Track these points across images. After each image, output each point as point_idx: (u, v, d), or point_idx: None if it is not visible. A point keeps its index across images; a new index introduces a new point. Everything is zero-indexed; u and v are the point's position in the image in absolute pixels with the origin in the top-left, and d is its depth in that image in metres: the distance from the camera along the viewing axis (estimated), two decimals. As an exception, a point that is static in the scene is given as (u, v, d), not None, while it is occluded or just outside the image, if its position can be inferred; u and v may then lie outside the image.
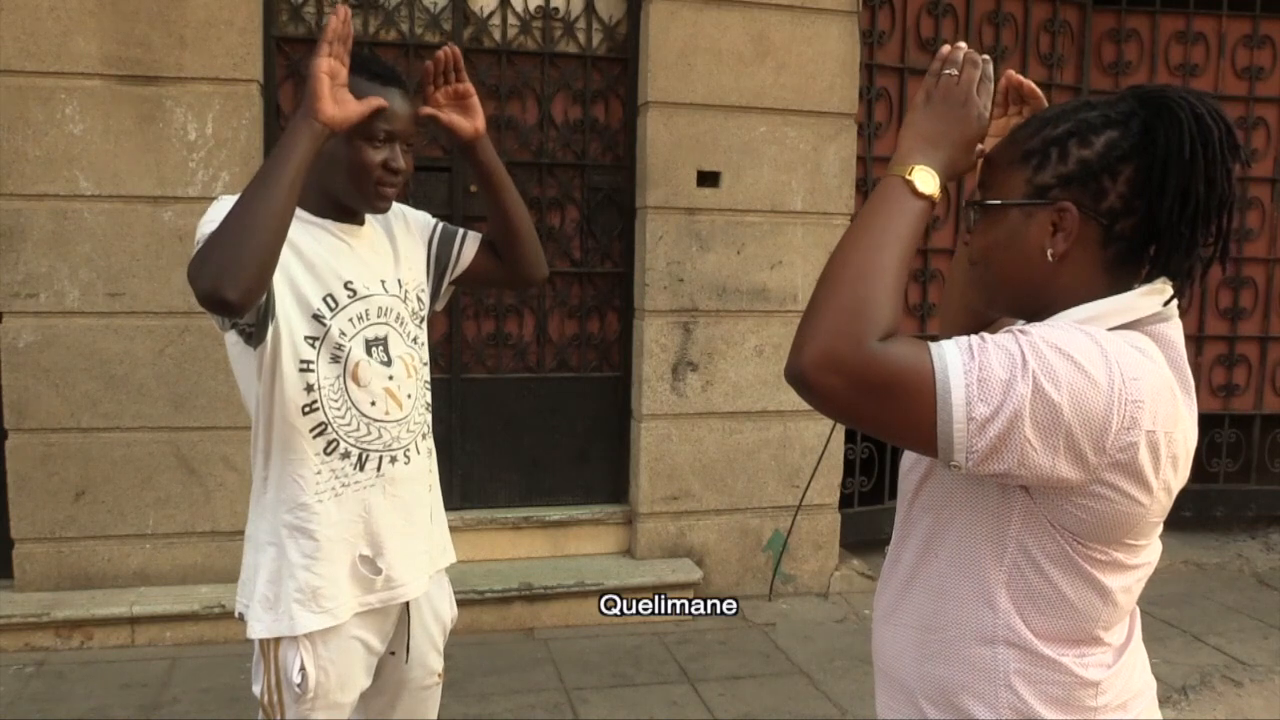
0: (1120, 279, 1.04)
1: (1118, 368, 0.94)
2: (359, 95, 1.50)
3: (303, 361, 1.54)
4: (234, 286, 1.32)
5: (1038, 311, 1.07)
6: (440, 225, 1.84)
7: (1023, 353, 0.92)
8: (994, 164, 1.09)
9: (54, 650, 3.35)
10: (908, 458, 1.17)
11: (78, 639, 3.38)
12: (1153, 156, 0.99)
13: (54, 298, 3.38)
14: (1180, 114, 0.98)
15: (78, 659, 3.30)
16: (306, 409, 1.55)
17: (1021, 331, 0.95)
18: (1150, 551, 1.06)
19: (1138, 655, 1.12)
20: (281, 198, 1.37)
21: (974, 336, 0.95)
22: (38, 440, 3.43)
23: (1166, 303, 1.04)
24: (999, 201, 1.07)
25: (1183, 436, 1.00)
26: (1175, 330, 1.05)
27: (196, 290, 1.34)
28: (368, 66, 1.57)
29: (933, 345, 0.95)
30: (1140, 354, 0.98)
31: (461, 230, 1.87)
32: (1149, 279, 1.05)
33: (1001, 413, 0.91)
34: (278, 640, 1.58)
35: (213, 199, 3.62)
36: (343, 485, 1.59)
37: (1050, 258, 1.03)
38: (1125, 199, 1.01)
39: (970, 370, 0.92)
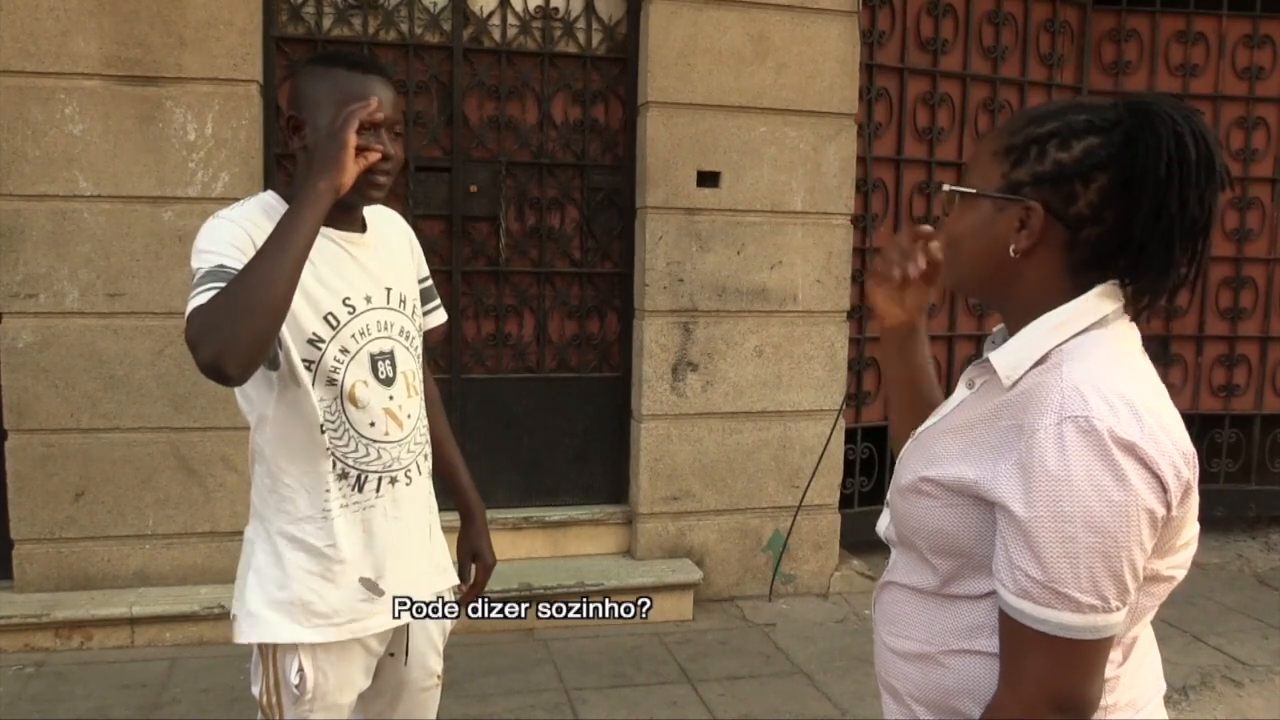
0: (1083, 284, 1.04)
1: (1156, 446, 0.94)
2: (340, 87, 1.49)
3: (301, 385, 1.52)
4: (236, 364, 1.31)
5: (1000, 303, 1.10)
6: (428, 282, 1.83)
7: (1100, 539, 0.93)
8: (979, 153, 1.10)
9: (54, 651, 3.35)
10: (902, 467, 1.15)
11: (77, 639, 3.38)
12: (1129, 169, 0.99)
13: (54, 298, 3.38)
14: (1161, 130, 0.98)
15: (77, 659, 3.30)
16: (318, 429, 1.54)
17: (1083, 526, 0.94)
18: (1183, 559, 1.05)
19: (1148, 654, 1.12)
20: (293, 269, 1.35)
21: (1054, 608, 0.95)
22: (37, 440, 3.42)
23: (1135, 314, 1.06)
24: (973, 190, 1.08)
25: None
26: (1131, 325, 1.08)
27: (196, 358, 1.31)
28: (346, 58, 1.54)
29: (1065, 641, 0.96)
30: (1144, 383, 0.99)
31: (436, 301, 1.85)
32: None
33: (1120, 594, 0.95)
34: (275, 643, 1.57)
35: (211, 199, 3.59)
36: (342, 506, 1.57)
37: (1013, 253, 1.04)
38: (1095, 207, 1.01)
39: (1085, 618, 0.95)
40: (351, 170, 1.41)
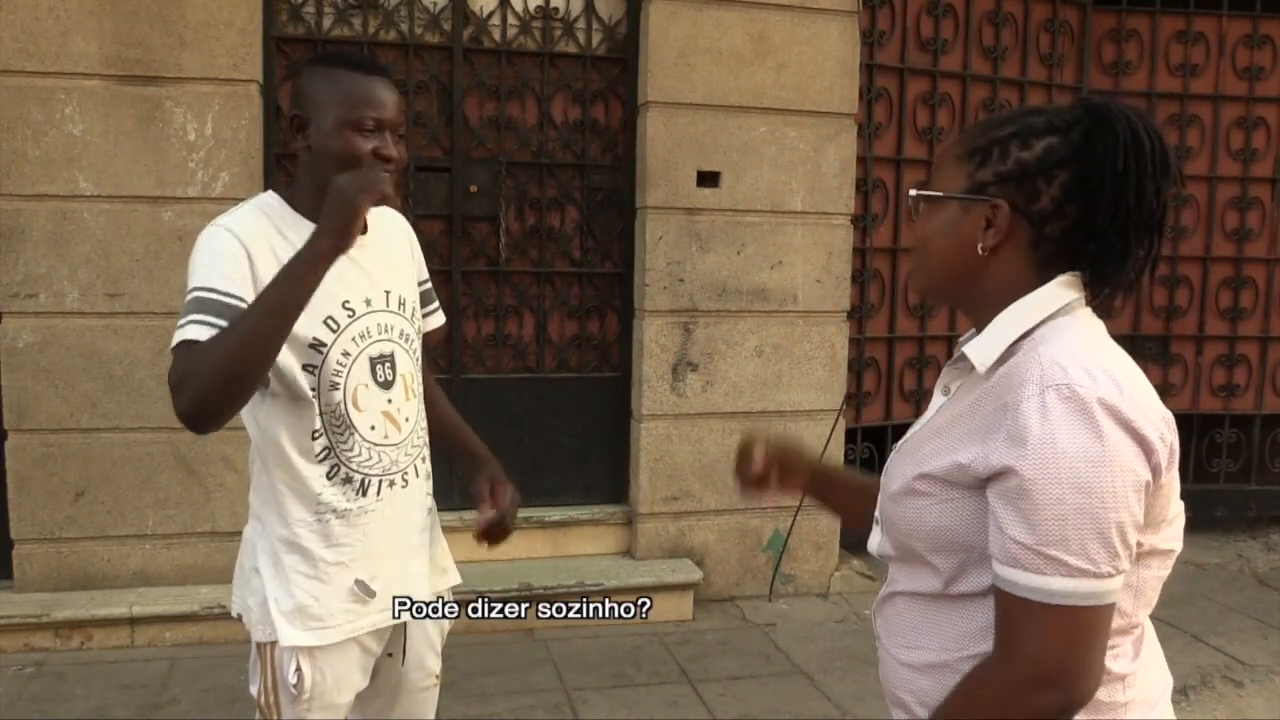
0: (1048, 280, 1.07)
1: (1137, 409, 0.96)
2: (341, 86, 1.50)
3: (301, 391, 1.52)
4: (209, 420, 1.35)
5: (970, 305, 1.12)
6: (428, 284, 1.83)
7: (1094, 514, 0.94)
8: (942, 158, 1.13)
9: (53, 651, 3.35)
10: (890, 477, 1.15)
11: (77, 640, 3.38)
12: (1089, 165, 1.02)
13: (54, 298, 3.38)
14: (1118, 127, 1.01)
15: (77, 660, 3.30)
16: (311, 434, 1.55)
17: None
18: (1176, 530, 1.06)
19: (1155, 651, 1.13)
20: (279, 333, 1.37)
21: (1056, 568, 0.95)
22: (38, 440, 3.42)
23: (1095, 306, 1.09)
24: (939, 193, 1.11)
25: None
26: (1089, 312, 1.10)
27: (174, 403, 1.35)
28: (349, 59, 1.54)
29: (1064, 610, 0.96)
30: (1117, 358, 1.02)
31: (435, 304, 1.85)
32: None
33: (1115, 557, 0.96)
34: (274, 642, 1.57)
35: (211, 199, 3.56)
36: (344, 509, 1.58)
37: (980, 251, 1.07)
38: (1057, 203, 1.04)
39: (1080, 585, 0.95)
40: (357, 233, 1.42)
